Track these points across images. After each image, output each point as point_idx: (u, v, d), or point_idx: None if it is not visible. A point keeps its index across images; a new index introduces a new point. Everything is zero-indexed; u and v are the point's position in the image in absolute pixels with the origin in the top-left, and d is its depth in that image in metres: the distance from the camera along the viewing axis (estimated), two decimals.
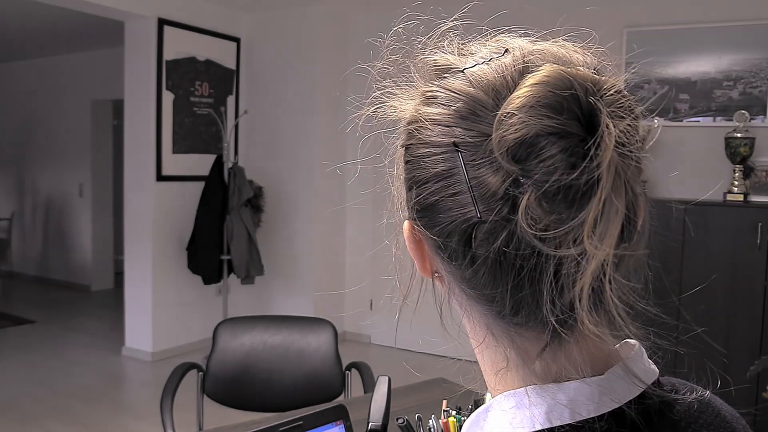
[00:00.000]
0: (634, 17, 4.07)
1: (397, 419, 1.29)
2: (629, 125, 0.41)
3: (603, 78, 0.43)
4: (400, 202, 0.51)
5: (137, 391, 4.21)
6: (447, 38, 0.50)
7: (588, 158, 0.39)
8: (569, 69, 0.42)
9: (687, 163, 3.79)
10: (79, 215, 7.06)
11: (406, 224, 0.50)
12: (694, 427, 0.48)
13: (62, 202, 7.19)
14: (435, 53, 0.49)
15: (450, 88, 0.45)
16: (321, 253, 5.09)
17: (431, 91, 0.47)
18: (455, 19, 0.51)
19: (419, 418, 1.35)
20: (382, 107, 0.51)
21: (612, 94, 0.42)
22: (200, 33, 4.87)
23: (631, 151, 0.41)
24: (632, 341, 0.48)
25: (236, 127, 5.16)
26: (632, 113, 0.42)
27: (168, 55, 4.63)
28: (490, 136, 0.41)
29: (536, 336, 0.45)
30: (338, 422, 1.11)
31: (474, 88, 0.44)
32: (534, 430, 0.44)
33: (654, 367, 0.49)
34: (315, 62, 4.98)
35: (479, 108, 0.43)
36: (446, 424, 1.33)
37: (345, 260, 5.33)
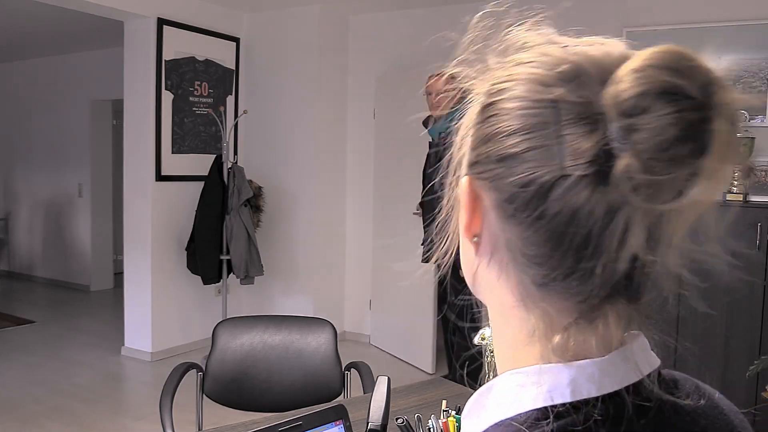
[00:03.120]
0: (634, 17, 4.07)
1: (396, 419, 1.29)
2: (738, 98, 0.43)
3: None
4: (459, 160, 0.51)
5: (137, 391, 4.21)
6: (540, 26, 0.50)
7: (701, 123, 0.40)
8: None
9: None
10: (78, 215, 7.05)
11: (465, 179, 0.49)
12: (693, 416, 0.48)
13: (61, 202, 7.19)
14: (528, 32, 0.49)
15: (552, 54, 0.46)
16: (321, 253, 5.09)
17: (529, 57, 0.47)
18: (538, 12, 0.51)
19: (419, 418, 1.35)
20: (463, 81, 0.51)
21: (721, 71, 0.44)
22: (200, 33, 4.87)
23: (737, 123, 0.42)
24: (636, 332, 0.48)
25: (236, 127, 5.16)
26: (735, 89, 0.44)
27: (167, 54, 4.63)
28: (592, 101, 0.42)
29: (569, 308, 0.45)
30: (338, 422, 1.11)
31: (578, 56, 0.44)
32: (535, 407, 0.44)
33: (656, 358, 0.49)
34: (314, 62, 4.97)
35: (584, 74, 0.43)
36: (446, 424, 1.33)
37: (345, 260, 5.33)
